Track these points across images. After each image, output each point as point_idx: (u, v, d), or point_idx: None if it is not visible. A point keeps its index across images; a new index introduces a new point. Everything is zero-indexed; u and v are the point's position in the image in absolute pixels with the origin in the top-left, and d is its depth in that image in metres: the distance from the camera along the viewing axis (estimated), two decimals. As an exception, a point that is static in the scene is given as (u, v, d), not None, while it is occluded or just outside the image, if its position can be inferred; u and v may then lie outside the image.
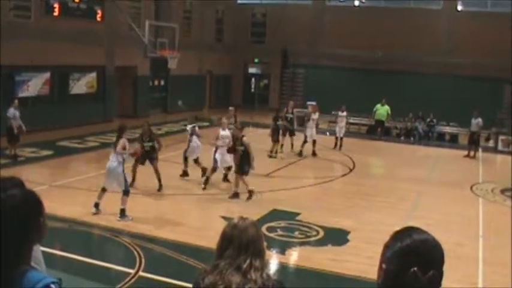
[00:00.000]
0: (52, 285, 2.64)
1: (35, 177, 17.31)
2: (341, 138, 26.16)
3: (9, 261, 2.65)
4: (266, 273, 3.27)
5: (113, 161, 13.33)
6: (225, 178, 17.70)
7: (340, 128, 26.31)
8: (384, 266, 2.42)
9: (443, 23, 36.39)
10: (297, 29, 39.51)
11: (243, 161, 15.64)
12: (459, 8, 36.90)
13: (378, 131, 30.85)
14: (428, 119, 31.67)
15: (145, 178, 17.61)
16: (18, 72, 24.41)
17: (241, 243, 3.28)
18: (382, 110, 30.63)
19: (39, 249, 3.99)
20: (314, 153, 23.45)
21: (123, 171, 13.36)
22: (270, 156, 22.48)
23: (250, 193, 15.55)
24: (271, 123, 23.40)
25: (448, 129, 32.13)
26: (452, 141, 30.95)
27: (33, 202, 2.78)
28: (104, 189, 13.57)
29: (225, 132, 16.55)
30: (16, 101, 19.83)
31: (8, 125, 19.11)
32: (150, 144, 16.29)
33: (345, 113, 26.66)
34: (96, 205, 13.51)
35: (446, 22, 36.35)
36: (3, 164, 18.26)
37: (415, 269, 2.30)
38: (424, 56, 35.51)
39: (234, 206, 14.64)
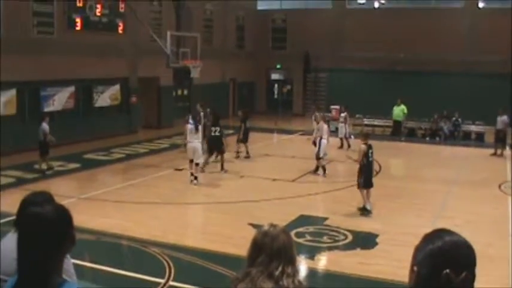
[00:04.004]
0: None
1: (63, 190, 17.50)
2: (346, 138, 26.77)
3: (45, 273, 2.71)
4: (298, 280, 3.26)
5: (196, 141, 18.32)
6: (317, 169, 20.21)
7: (341, 128, 27.12)
8: (415, 268, 2.40)
9: (465, 21, 36.10)
10: (318, 33, 39.47)
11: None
12: (480, 5, 36.62)
13: (397, 132, 31.21)
14: (453, 119, 31.38)
15: (172, 187, 17.75)
16: (43, 87, 24.70)
17: (272, 251, 3.27)
18: (398, 110, 31.17)
19: (70, 262, 4.05)
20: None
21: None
22: (237, 157, 23.11)
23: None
24: (241, 124, 23.45)
25: (474, 128, 31.71)
26: (479, 140, 30.56)
27: (64, 215, 2.85)
28: (192, 161, 18.26)
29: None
30: (47, 117, 20.32)
31: (42, 139, 19.43)
32: None
33: (344, 114, 27.48)
34: (195, 177, 18.11)
35: (468, 20, 36.07)
36: (34, 178, 18.49)
37: (448, 271, 2.28)
38: (447, 55, 35.31)
39: (262, 213, 14.60)
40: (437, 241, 2.37)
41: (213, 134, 20.29)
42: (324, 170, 19.96)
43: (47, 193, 4.01)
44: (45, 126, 19.60)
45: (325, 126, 20.51)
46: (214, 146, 20.38)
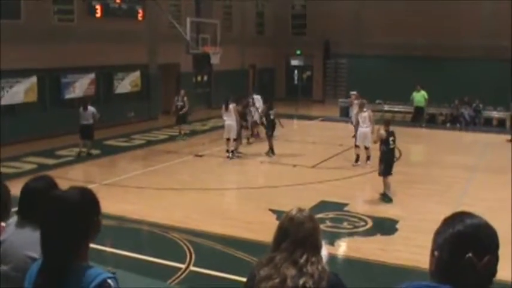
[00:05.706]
0: (109, 280, 2.71)
1: (84, 176, 17.67)
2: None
3: (69, 257, 2.72)
4: (321, 266, 3.23)
5: (230, 120, 19.91)
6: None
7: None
8: (436, 253, 2.35)
9: (486, 6, 35.60)
10: (338, 20, 39.17)
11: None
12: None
13: (418, 118, 30.85)
14: (474, 104, 31.11)
15: (192, 173, 17.81)
16: (64, 74, 24.84)
17: (297, 237, 3.25)
18: (419, 96, 30.66)
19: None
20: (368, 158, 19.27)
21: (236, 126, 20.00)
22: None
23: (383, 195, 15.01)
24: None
25: (495, 114, 31.37)
26: (500, 126, 30.27)
27: (90, 200, 2.85)
28: (228, 139, 20.00)
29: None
30: (89, 101, 21.33)
31: (91, 122, 20.13)
32: None
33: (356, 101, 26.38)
34: (232, 152, 19.93)
35: (490, 4, 35.57)
36: (55, 164, 18.63)
37: (470, 254, 2.23)
38: (469, 41, 34.89)
39: (282, 199, 14.61)
40: (458, 224, 2.32)
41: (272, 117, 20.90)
42: (358, 158, 19.43)
43: (48, 177, 3.95)
44: (93, 109, 20.24)
45: (363, 114, 19.40)
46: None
